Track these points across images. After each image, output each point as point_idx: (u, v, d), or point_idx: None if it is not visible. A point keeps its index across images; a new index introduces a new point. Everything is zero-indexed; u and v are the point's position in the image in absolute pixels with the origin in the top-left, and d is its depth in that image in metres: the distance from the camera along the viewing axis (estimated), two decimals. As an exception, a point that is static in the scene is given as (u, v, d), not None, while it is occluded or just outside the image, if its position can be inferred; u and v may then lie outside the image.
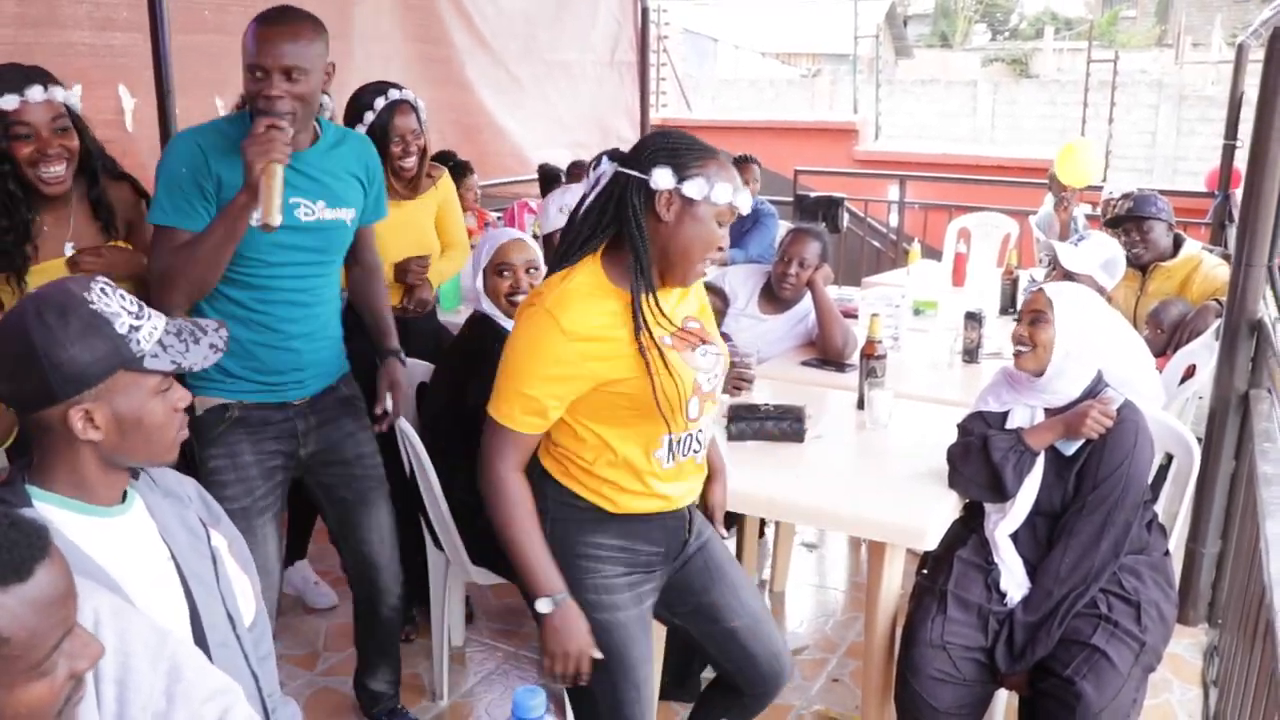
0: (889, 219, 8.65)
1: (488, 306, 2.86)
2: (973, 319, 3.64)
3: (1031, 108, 20.76)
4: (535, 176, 6.32)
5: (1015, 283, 4.47)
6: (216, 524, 1.69)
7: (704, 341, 2.01)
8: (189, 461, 2.32)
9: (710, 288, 3.72)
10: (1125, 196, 4.11)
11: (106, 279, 1.46)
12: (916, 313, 4.21)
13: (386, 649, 2.85)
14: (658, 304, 1.91)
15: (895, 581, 2.53)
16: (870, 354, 3.03)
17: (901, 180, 8.19)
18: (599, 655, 1.96)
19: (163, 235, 2.26)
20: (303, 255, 2.37)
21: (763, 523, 3.73)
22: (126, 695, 1.24)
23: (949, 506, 2.51)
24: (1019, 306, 4.40)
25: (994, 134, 20.81)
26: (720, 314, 3.69)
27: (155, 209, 2.26)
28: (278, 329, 2.39)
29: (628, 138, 7.90)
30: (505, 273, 2.82)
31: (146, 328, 1.45)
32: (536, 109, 7.15)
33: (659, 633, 2.53)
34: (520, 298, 2.82)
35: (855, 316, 3.79)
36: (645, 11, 7.86)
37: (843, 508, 2.48)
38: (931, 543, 2.39)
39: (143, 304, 1.48)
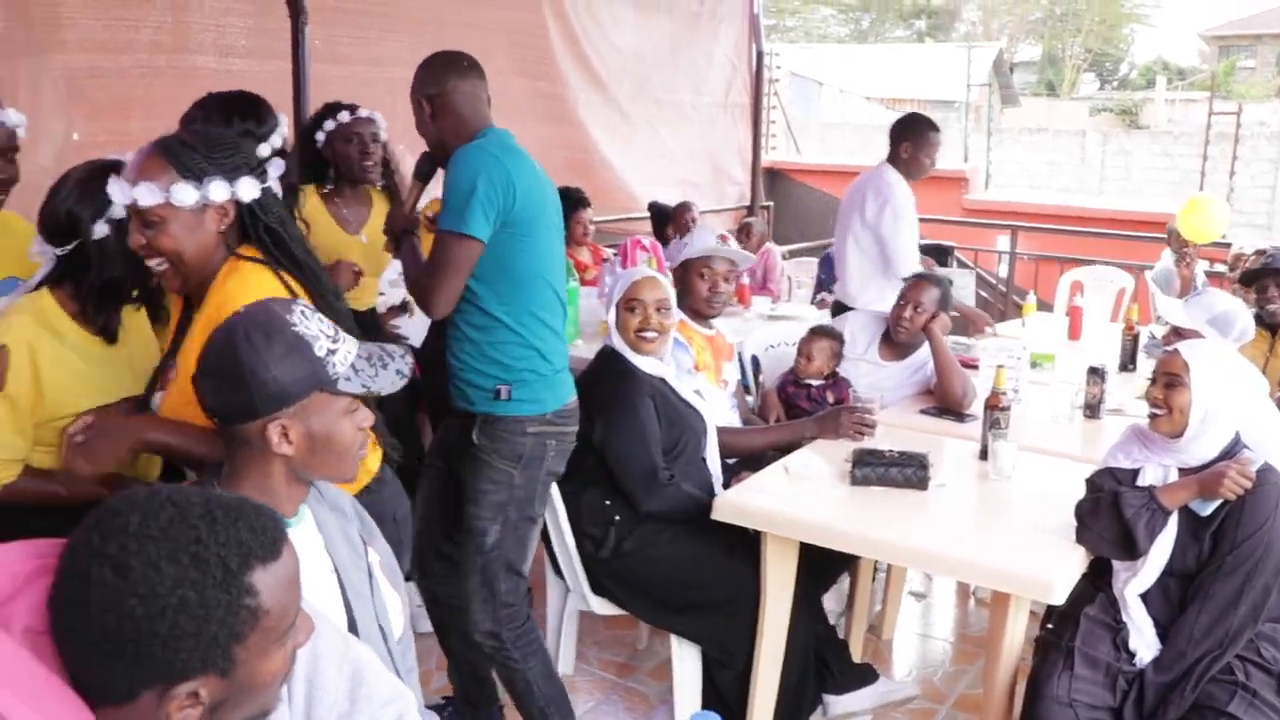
0: (998, 269, 8.57)
1: (617, 341, 2.93)
2: (1095, 374, 3.60)
3: (1143, 159, 20.37)
4: (646, 214, 6.41)
5: (1135, 339, 4.41)
6: (372, 540, 1.77)
7: None
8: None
9: (827, 331, 3.75)
10: (1259, 253, 4.04)
11: (305, 303, 1.56)
12: (1034, 365, 4.17)
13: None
14: None
15: (1019, 634, 2.52)
16: (995, 405, 3.02)
17: (1013, 231, 8.12)
18: None
19: (466, 246, 2.43)
20: None
21: (875, 567, 3.72)
22: (315, 694, 1.31)
23: (1077, 562, 2.48)
24: (1139, 363, 4.37)
25: (1103, 185, 20.45)
26: (836, 357, 3.71)
27: (470, 220, 2.41)
28: None
29: (739, 179, 7.98)
30: (635, 309, 2.89)
31: (342, 351, 1.54)
32: (647, 147, 7.26)
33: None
34: (649, 334, 2.89)
35: (974, 367, 3.78)
36: (761, 55, 7.96)
37: (968, 556, 2.48)
38: (1059, 597, 2.37)
39: (339, 329, 1.57)
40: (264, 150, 2.50)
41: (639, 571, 2.79)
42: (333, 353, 1.53)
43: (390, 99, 5.00)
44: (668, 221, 6.12)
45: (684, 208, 6.02)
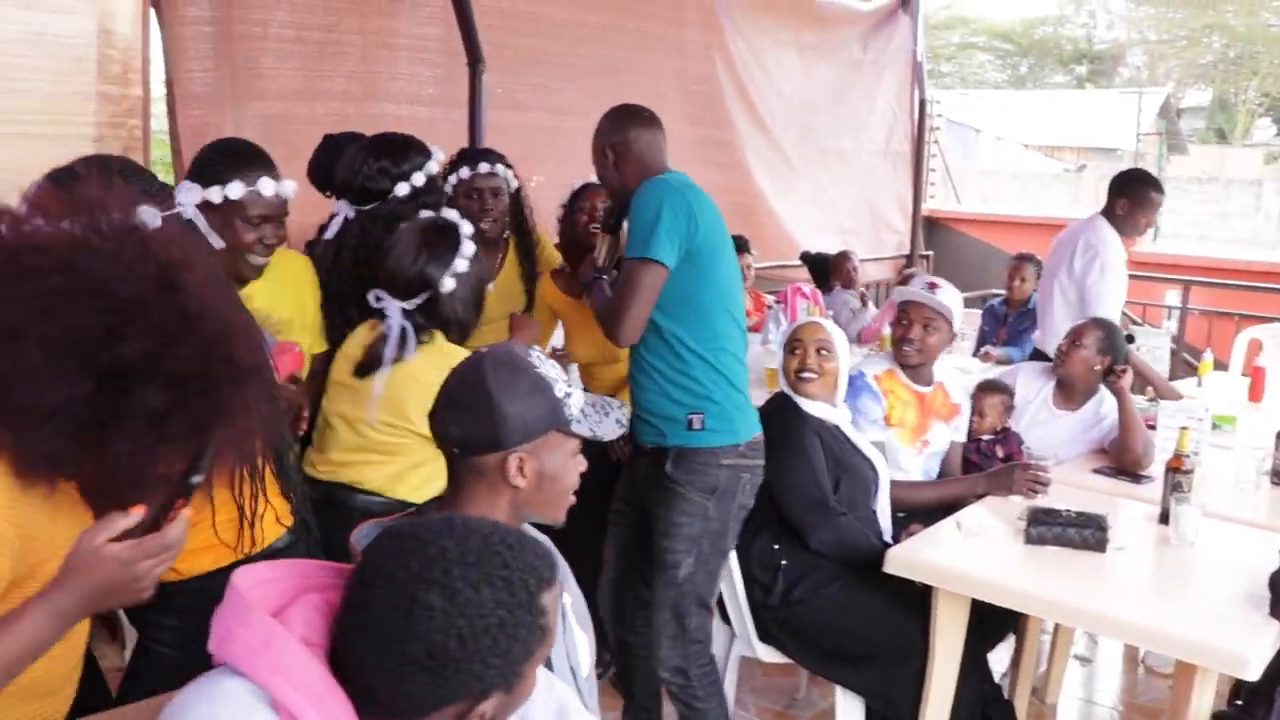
0: (1164, 325, 8.25)
1: (784, 384, 2.97)
2: (1284, 439, 3.46)
3: (1325, 211, 19.36)
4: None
5: (1326, 403, 4.21)
6: (565, 582, 1.84)
7: None
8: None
9: (997, 386, 3.70)
10: None
11: (541, 350, 1.67)
12: (1215, 427, 4.02)
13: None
14: None
15: (1206, 707, 2.43)
16: (1178, 468, 2.94)
17: (1185, 285, 7.83)
18: None
19: (653, 271, 2.55)
20: None
21: (1040, 627, 3.63)
22: None
23: (1272, 637, 2.39)
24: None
25: (1280, 237, 19.50)
26: (1008, 411, 3.66)
27: (656, 246, 2.54)
28: None
29: (898, 228, 7.92)
30: (796, 350, 2.94)
31: (575, 396, 1.63)
32: (809, 194, 7.28)
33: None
34: (807, 374, 2.92)
35: (1152, 427, 3.67)
36: (924, 103, 7.91)
37: (1152, 623, 2.41)
38: (1254, 673, 2.28)
39: (567, 376, 1.67)
40: (402, 189, 2.72)
41: (807, 620, 2.81)
42: (568, 396, 1.62)
43: (570, 145, 5.22)
44: (825, 270, 6.13)
45: (844, 257, 6.02)
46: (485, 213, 3.28)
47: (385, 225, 2.64)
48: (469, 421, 1.57)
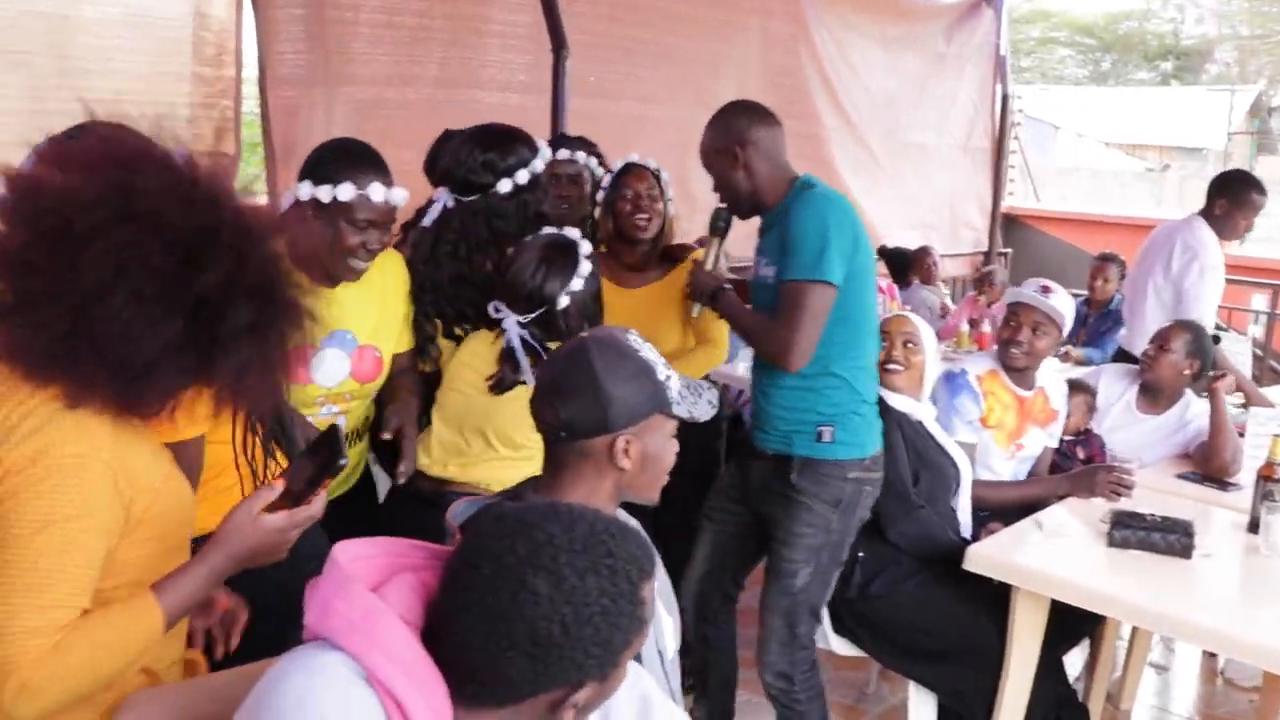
0: (1249, 330, 8.05)
1: None
2: (1380, 450, 3.36)
3: None
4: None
5: None
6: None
7: None
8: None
9: (1081, 386, 3.65)
10: None
11: (637, 332, 1.67)
12: (1306, 435, 3.92)
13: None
14: None
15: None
16: (1269, 476, 2.87)
17: (1274, 290, 7.64)
18: None
19: (826, 293, 2.50)
20: None
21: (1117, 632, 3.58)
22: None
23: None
24: None
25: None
26: (1091, 411, 3.61)
27: (827, 267, 2.47)
28: None
29: (976, 224, 7.82)
30: (882, 342, 2.91)
31: (674, 379, 1.64)
32: (891, 190, 7.22)
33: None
34: (892, 366, 2.90)
35: (1240, 434, 3.59)
36: (1006, 98, 7.79)
37: (1239, 632, 2.37)
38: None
39: (664, 358, 1.67)
40: (504, 185, 2.58)
41: (884, 614, 2.80)
42: (668, 379, 1.63)
43: (655, 134, 5.22)
44: (904, 265, 6.08)
45: (924, 252, 5.97)
46: (560, 199, 3.22)
47: (486, 221, 2.58)
48: (577, 405, 1.57)
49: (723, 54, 5.96)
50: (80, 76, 3.68)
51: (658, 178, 3.12)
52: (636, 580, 1.18)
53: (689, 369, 2.66)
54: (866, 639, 2.88)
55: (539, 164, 2.66)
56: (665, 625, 1.82)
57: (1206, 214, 4.34)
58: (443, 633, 1.18)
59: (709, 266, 2.81)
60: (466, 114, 3.37)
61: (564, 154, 3.29)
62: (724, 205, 2.76)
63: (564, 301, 2.39)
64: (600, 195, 3.18)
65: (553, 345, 2.37)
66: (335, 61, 4.44)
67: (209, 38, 4.14)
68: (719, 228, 2.79)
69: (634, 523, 1.51)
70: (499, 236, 2.59)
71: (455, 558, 1.20)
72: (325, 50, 4.41)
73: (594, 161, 3.35)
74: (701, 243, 3.32)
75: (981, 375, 3.23)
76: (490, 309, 2.43)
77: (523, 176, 2.60)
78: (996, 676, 2.69)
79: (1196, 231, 4.31)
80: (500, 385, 2.38)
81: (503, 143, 2.64)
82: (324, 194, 2.20)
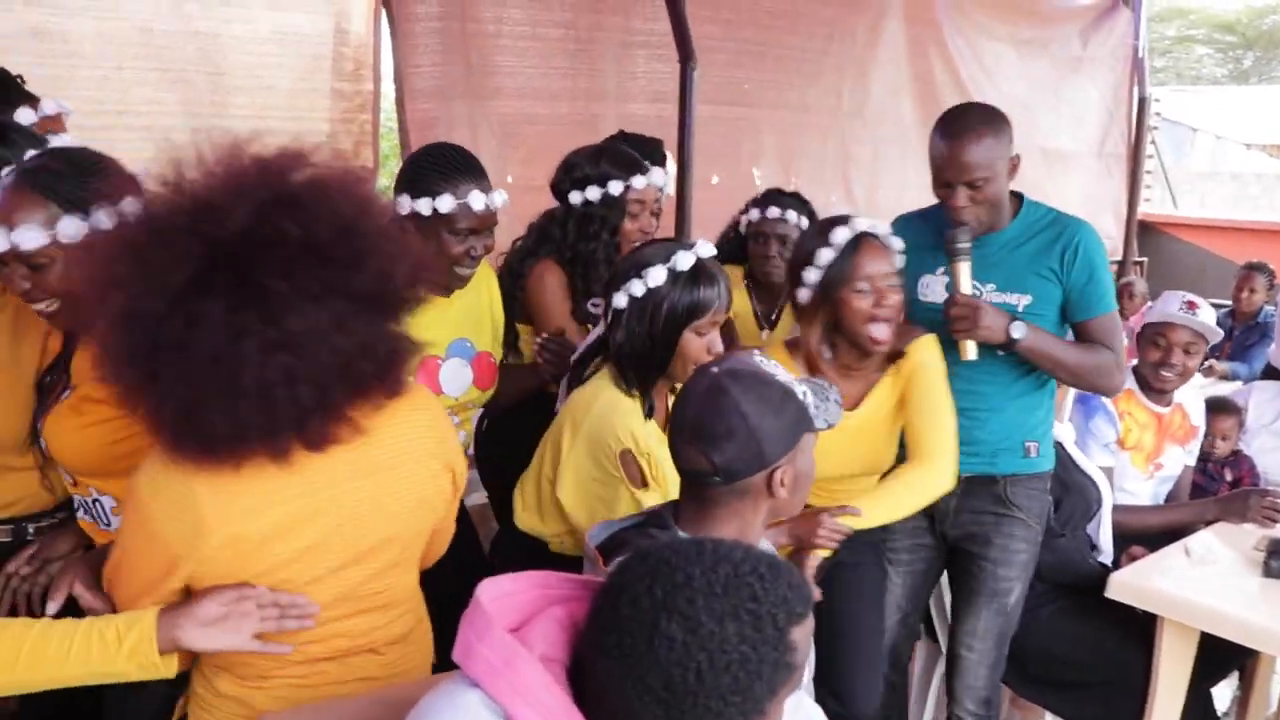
0: None
1: None
2: None
3: None
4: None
5: None
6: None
7: None
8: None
9: (1228, 406, 3.50)
10: None
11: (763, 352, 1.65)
12: None
13: None
14: None
15: None
16: None
17: None
18: None
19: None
20: None
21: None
22: None
23: None
24: None
25: None
26: (1241, 431, 3.46)
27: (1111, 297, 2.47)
28: None
29: (1111, 232, 7.56)
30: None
31: (806, 392, 1.61)
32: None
33: None
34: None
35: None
36: (1144, 102, 7.50)
37: None
38: None
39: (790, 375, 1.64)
40: (574, 197, 2.66)
41: (1019, 641, 2.71)
42: (805, 394, 1.59)
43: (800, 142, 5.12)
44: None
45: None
46: (764, 258, 3.21)
47: (540, 229, 2.72)
48: (732, 449, 1.52)
49: (882, 66, 5.96)
50: (231, 93, 3.83)
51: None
52: (784, 625, 1.12)
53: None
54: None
55: (617, 185, 2.67)
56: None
57: None
58: (587, 672, 1.17)
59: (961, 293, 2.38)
60: (618, 126, 3.37)
61: (774, 212, 3.21)
62: (960, 224, 2.37)
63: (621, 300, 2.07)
64: None
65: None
66: (477, 74, 4.47)
67: (348, 53, 4.26)
68: (964, 249, 2.37)
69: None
70: (552, 245, 2.69)
71: (600, 597, 1.18)
72: (466, 63, 4.44)
73: (805, 221, 3.18)
74: None
75: (1117, 395, 3.12)
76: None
77: (593, 192, 2.65)
78: (1138, 709, 2.60)
79: None
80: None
81: (596, 157, 2.71)
82: (424, 207, 2.21)
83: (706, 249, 2.09)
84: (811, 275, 2.28)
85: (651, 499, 1.98)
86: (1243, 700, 3.22)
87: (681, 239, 2.60)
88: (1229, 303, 5.63)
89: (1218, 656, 2.74)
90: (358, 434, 1.46)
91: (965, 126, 2.35)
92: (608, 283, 2.17)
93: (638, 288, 2.03)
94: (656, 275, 2.02)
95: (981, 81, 6.52)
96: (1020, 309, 2.42)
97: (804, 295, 2.31)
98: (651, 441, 2.04)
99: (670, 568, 1.13)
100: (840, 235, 2.26)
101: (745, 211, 3.33)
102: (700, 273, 2.04)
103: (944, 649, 2.94)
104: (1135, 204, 7.67)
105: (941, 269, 2.45)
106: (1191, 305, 3.07)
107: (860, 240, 2.27)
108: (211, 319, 1.30)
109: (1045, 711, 2.85)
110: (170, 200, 1.37)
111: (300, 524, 1.45)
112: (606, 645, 1.13)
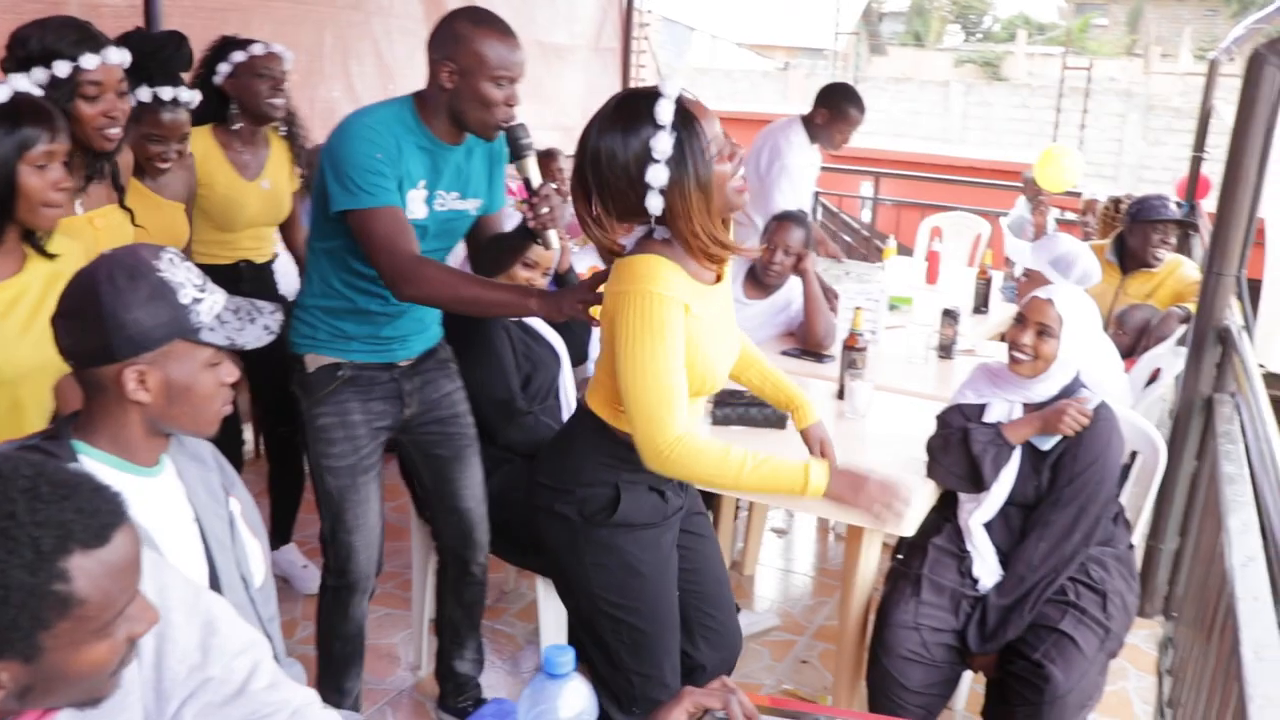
0: (861, 214, 8.77)
1: None
2: (949, 316, 3.73)
3: (1002, 110, 21.01)
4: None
5: (989, 283, 4.58)
6: (232, 488, 1.73)
7: None
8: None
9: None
10: (1114, 200, 4.24)
11: (175, 250, 1.51)
12: (892, 308, 4.30)
13: (474, 618, 2.86)
14: None
15: (871, 566, 2.62)
16: (852, 345, 3.11)
17: (876, 177, 8.31)
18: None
19: (388, 216, 2.21)
20: (434, 241, 2.40)
21: (736, 506, 3.81)
22: (165, 647, 1.28)
23: (926, 496, 2.60)
24: (992, 305, 4.55)
25: (965, 134, 21.03)
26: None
27: (365, 195, 2.20)
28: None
29: (608, 124, 7.92)
30: None
31: (208, 302, 1.49)
32: (526, 90, 7.12)
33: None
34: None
35: (835, 297, 3.87)
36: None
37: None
38: (909, 530, 2.48)
39: (207, 279, 1.53)
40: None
41: (500, 516, 2.79)
42: (198, 301, 1.48)
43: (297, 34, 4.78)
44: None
45: (549, 155, 5.90)
46: (277, 93, 3.16)
47: None
48: (78, 331, 1.43)
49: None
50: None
51: None
52: (50, 550, 1.01)
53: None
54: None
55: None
56: (250, 550, 1.72)
57: (807, 121, 4.60)
58: None
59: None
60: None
61: (276, 48, 3.17)
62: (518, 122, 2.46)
63: None
64: None
65: None
66: None
67: None
68: (531, 142, 2.48)
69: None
70: None
71: None
72: None
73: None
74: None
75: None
76: None
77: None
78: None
79: (790, 135, 4.57)
80: None
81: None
82: None
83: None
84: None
85: None
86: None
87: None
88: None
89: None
90: None
91: (507, 27, 2.37)
92: None
93: None
94: None
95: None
96: (473, 212, 2.49)
97: None
98: None
99: None
100: None
101: (227, 54, 3.13)
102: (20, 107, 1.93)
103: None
104: (629, 95, 8.07)
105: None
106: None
107: None
108: None
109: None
110: None
111: None
112: None
